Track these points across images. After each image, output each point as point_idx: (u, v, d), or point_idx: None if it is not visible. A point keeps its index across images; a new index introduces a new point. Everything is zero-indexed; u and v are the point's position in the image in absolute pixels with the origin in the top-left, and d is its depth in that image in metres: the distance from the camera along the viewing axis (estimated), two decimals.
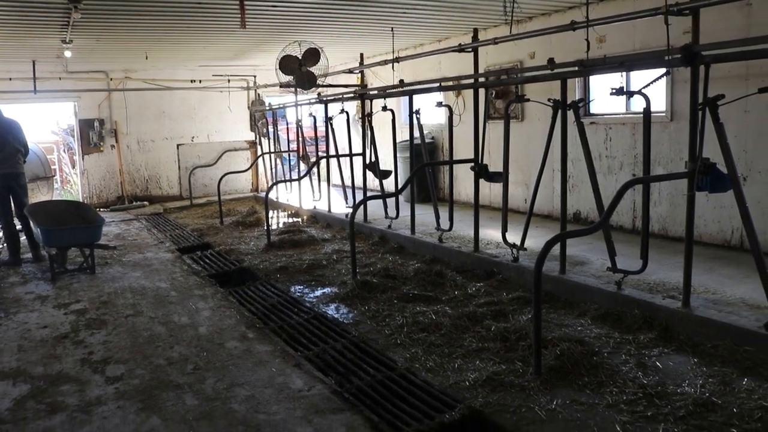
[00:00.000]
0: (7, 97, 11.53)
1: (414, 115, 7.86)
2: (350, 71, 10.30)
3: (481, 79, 7.15)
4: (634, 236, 6.93)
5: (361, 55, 9.98)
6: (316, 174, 11.27)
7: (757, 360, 3.94)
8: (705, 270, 5.57)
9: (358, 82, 12.19)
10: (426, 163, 7.75)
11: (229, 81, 13.72)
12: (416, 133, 7.99)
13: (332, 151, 10.29)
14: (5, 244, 8.00)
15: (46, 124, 18.35)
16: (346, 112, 9.67)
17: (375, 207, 9.16)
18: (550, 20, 8.05)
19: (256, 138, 14.40)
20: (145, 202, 13.32)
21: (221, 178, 11.33)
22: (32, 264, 7.81)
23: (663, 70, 4.99)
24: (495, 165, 7.26)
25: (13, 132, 7.71)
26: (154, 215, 11.95)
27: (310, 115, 11.44)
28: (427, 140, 9.26)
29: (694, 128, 4.43)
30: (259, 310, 5.63)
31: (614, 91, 4.93)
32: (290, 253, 7.89)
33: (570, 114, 5.45)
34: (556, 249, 5.27)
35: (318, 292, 6.21)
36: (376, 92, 9.24)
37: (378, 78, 11.67)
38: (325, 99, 9.93)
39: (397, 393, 3.84)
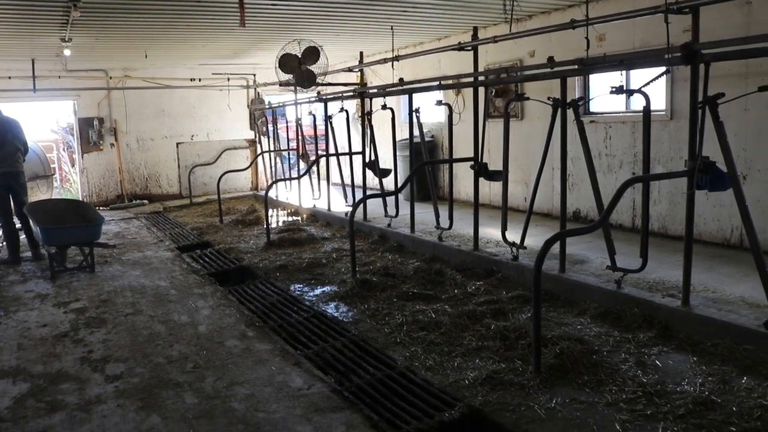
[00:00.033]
0: (7, 95, 11.53)
1: (414, 113, 7.86)
2: (350, 70, 10.31)
3: (481, 78, 7.15)
4: (633, 235, 6.93)
5: (361, 53, 9.98)
6: (315, 172, 11.26)
7: (757, 358, 3.94)
8: (705, 268, 5.58)
9: (358, 81, 12.18)
10: (425, 162, 7.75)
11: (228, 79, 13.71)
12: (416, 132, 7.99)
13: (332, 150, 10.29)
14: (5, 243, 8.00)
15: (45, 122, 18.38)
16: (346, 111, 9.66)
17: (374, 205, 9.16)
18: (550, 18, 8.04)
19: (255, 136, 14.40)
20: (145, 201, 13.32)
21: (221, 177, 11.32)
22: (32, 263, 7.81)
23: (663, 69, 4.99)
24: (495, 163, 7.26)
25: (12, 130, 7.71)
26: (154, 214, 11.95)
27: (310, 113, 11.43)
28: (426, 139, 9.26)
29: (694, 127, 4.43)
30: (259, 309, 5.63)
31: (614, 89, 4.93)
32: (290, 251, 7.89)
33: (570, 112, 5.44)
34: (556, 247, 5.27)
35: (317, 291, 6.21)
36: (375, 91, 9.24)
37: (377, 76, 11.66)
38: (324, 97, 9.93)
39: (397, 391, 3.84)
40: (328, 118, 10.10)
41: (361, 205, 8.89)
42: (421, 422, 3.44)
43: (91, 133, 12.88)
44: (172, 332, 5.06)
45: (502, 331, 4.55)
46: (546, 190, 8.35)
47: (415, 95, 8.18)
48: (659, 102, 6.87)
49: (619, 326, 4.67)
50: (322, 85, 9.71)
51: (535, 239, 6.44)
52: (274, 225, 9.64)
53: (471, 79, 7.00)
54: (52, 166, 13.94)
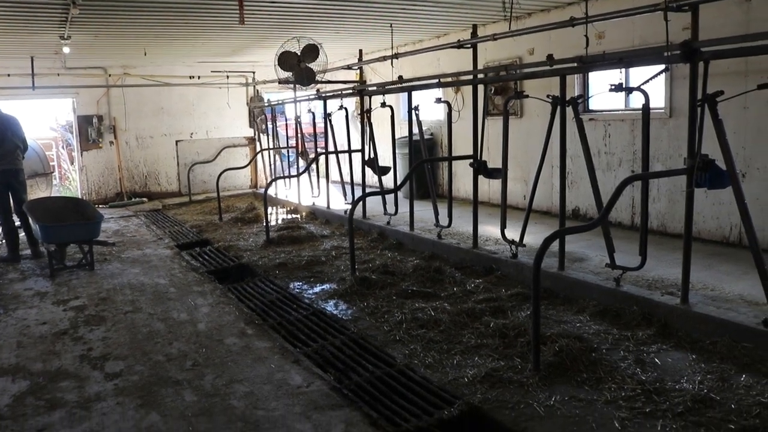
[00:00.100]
0: (6, 93, 11.53)
1: (413, 111, 7.86)
2: (349, 67, 10.29)
3: (480, 76, 7.14)
4: (632, 233, 6.93)
5: (360, 51, 9.97)
6: (315, 170, 11.27)
7: (756, 356, 3.95)
8: (704, 266, 5.58)
9: (357, 79, 12.17)
10: (425, 160, 7.75)
11: (227, 77, 13.71)
12: (415, 130, 7.98)
13: (331, 148, 10.29)
14: (4, 241, 8.00)
15: (44, 120, 18.32)
16: (345, 109, 9.66)
17: (374, 203, 9.16)
18: (549, 16, 8.04)
19: (255, 134, 14.39)
20: (144, 199, 13.32)
21: (220, 175, 11.31)
22: (31, 260, 7.81)
23: (662, 67, 4.98)
24: (494, 161, 7.25)
25: (11, 128, 7.70)
26: (153, 212, 11.95)
27: (309, 111, 11.44)
28: (426, 136, 9.26)
29: (693, 125, 4.43)
30: (258, 307, 5.63)
31: (613, 87, 4.92)
32: (289, 249, 7.89)
33: (569, 110, 5.44)
34: (555, 245, 5.28)
35: (317, 289, 6.21)
36: (374, 88, 9.24)
37: (377, 74, 11.66)
38: (324, 95, 9.92)
39: (396, 389, 3.85)
40: (327, 116, 10.10)
41: (361, 203, 8.88)
42: (420, 420, 3.44)
43: (91, 131, 12.87)
44: (172, 330, 5.06)
45: (501, 329, 4.55)
46: (545, 188, 8.35)
47: (414, 93, 8.17)
48: (658, 100, 6.87)
49: (618, 324, 4.68)
50: (322, 82, 9.70)
51: (534, 237, 6.44)
52: (273, 223, 9.63)
53: (470, 77, 7.00)
54: (51, 164, 13.90)
